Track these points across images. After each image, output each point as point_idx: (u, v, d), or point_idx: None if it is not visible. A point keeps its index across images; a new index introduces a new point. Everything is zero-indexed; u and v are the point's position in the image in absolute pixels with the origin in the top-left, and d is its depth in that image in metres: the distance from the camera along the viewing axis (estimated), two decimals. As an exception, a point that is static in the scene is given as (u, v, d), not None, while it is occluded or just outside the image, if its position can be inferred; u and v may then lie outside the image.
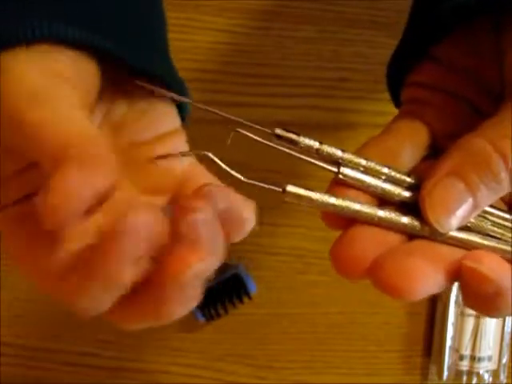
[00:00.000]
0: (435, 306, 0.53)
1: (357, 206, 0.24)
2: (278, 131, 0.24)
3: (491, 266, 0.23)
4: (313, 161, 0.24)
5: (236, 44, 0.49)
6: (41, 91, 0.21)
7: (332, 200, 0.24)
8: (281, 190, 0.24)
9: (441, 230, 0.23)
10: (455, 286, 0.52)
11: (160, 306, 0.22)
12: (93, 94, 0.24)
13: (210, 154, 0.24)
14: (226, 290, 0.51)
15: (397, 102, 0.30)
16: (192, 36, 0.49)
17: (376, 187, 0.25)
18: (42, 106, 0.21)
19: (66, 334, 0.51)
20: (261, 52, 0.50)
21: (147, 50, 0.27)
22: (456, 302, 0.52)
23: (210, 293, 0.50)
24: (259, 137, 0.25)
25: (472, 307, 0.24)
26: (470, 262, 0.23)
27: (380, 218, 0.24)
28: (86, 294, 0.22)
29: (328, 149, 0.25)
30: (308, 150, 0.25)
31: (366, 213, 0.24)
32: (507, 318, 0.53)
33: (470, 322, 0.52)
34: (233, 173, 0.24)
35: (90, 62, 0.23)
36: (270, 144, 0.24)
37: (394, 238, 0.24)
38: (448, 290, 0.52)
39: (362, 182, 0.24)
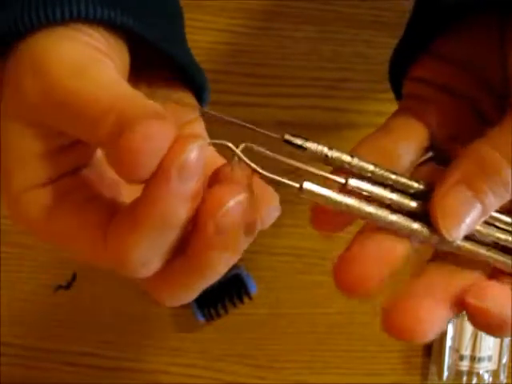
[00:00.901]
0: (435, 306, 0.53)
1: (370, 209, 0.24)
2: (287, 137, 0.25)
3: (494, 300, 0.23)
4: (321, 173, 0.25)
5: (236, 44, 0.49)
6: (84, 63, 0.22)
7: (347, 200, 0.24)
8: (298, 186, 0.24)
9: (450, 239, 0.24)
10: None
11: (201, 258, 0.22)
12: (125, 73, 0.25)
13: (230, 144, 0.23)
14: (226, 290, 0.51)
15: (398, 95, 0.30)
16: (192, 36, 0.49)
17: (384, 198, 0.25)
18: (86, 76, 0.21)
19: (66, 333, 0.51)
20: (261, 52, 0.50)
21: (172, 34, 0.28)
22: (456, 302, 0.52)
23: (210, 293, 0.50)
24: (267, 141, 0.24)
25: (480, 330, 0.25)
26: (473, 299, 0.23)
27: (391, 222, 0.24)
28: (140, 243, 0.22)
29: (337, 154, 0.25)
30: (316, 155, 0.25)
31: (378, 216, 0.24)
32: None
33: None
34: (252, 165, 0.23)
35: (120, 41, 0.24)
36: (281, 158, 0.25)
37: (398, 255, 0.24)
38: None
39: (370, 192, 0.25)
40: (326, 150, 0.25)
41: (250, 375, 0.53)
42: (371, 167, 0.25)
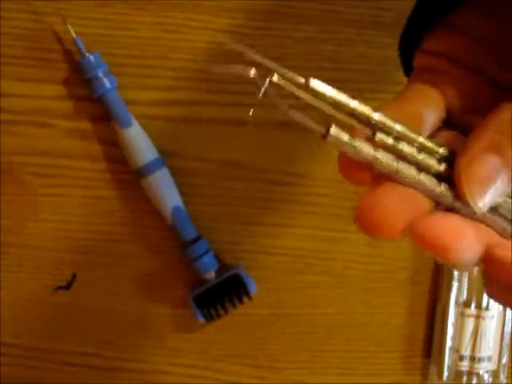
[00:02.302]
0: (435, 306, 0.53)
1: (400, 165, 0.23)
2: (314, 81, 0.23)
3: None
4: (349, 120, 0.23)
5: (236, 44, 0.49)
6: None
7: (374, 153, 0.23)
8: (324, 130, 0.22)
9: (475, 208, 0.23)
10: (455, 287, 0.52)
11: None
12: None
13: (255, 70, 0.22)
14: (226, 290, 0.51)
15: (407, 69, 0.29)
16: (191, 36, 0.49)
17: (412, 156, 0.23)
18: None
19: (66, 334, 0.51)
20: (261, 52, 0.50)
21: None
22: (456, 302, 0.52)
23: (210, 293, 0.50)
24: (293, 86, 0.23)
25: (493, 296, 0.24)
26: (498, 250, 0.23)
27: (418, 181, 0.23)
28: None
29: (363, 107, 0.23)
30: (339, 107, 0.23)
31: (406, 173, 0.23)
32: (507, 318, 0.53)
33: (470, 323, 0.52)
34: (283, 106, 0.22)
35: None
36: (304, 96, 0.23)
37: (424, 202, 0.24)
38: (448, 290, 0.52)
39: (398, 148, 0.23)
40: (351, 101, 0.23)
41: (250, 375, 0.53)
42: (398, 126, 0.24)
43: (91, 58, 0.47)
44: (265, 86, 0.22)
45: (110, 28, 0.49)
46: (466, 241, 0.22)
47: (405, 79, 0.29)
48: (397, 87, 0.49)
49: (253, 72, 0.22)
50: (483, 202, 0.23)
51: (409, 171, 0.23)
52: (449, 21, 0.27)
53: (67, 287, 0.51)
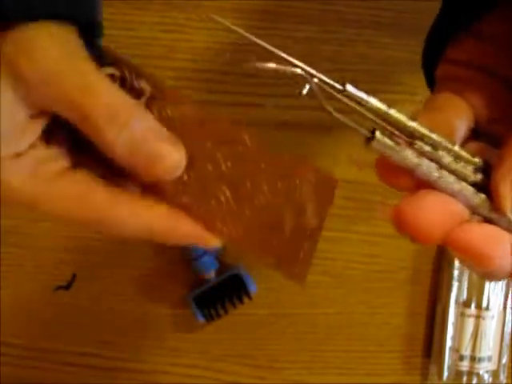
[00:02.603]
0: (435, 306, 0.53)
1: (441, 172, 0.23)
2: (349, 88, 0.23)
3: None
4: (389, 127, 0.23)
5: (235, 44, 0.49)
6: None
7: (418, 160, 0.23)
8: (369, 134, 0.22)
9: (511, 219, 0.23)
10: (455, 287, 0.52)
11: None
12: None
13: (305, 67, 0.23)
14: (226, 290, 0.51)
15: (430, 80, 0.29)
16: (191, 36, 0.49)
17: (450, 166, 0.24)
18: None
19: (66, 334, 0.51)
20: (260, 52, 0.50)
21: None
22: (456, 302, 0.52)
23: (210, 293, 0.50)
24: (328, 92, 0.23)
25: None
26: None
27: (457, 190, 0.23)
28: None
29: (397, 115, 0.23)
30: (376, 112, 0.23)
31: (446, 181, 0.23)
32: (507, 318, 0.53)
33: (470, 323, 0.52)
34: (328, 109, 0.22)
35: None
36: (346, 101, 0.23)
37: (463, 211, 0.24)
38: (448, 290, 0.52)
39: (437, 157, 0.23)
40: (386, 108, 0.23)
41: (250, 375, 0.53)
42: (434, 136, 0.23)
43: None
44: (308, 87, 0.22)
45: (111, 28, 0.48)
46: (504, 247, 0.23)
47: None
48: (397, 87, 0.49)
49: (298, 71, 0.23)
50: None
51: (449, 180, 0.23)
52: (473, 29, 0.26)
53: (67, 287, 0.51)
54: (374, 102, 0.23)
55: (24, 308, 0.51)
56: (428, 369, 0.54)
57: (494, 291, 0.52)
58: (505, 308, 0.53)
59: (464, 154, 0.24)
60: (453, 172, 0.24)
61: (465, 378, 0.53)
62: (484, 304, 0.52)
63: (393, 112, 0.23)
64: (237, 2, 0.49)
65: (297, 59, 0.22)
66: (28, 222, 0.50)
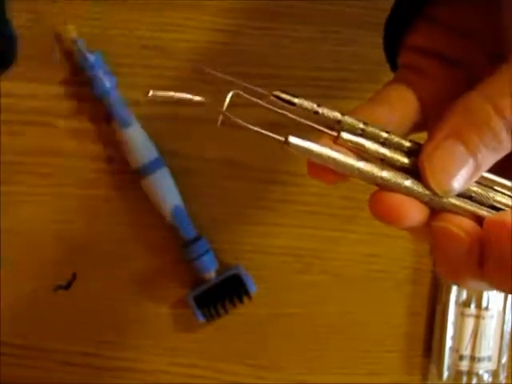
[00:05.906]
0: (435, 306, 0.53)
1: (360, 164, 0.23)
2: (277, 93, 0.24)
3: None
4: (312, 124, 0.24)
5: (235, 44, 0.49)
6: None
7: (335, 155, 0.23)
8: (283, 139, 0.23)
9: (442, 195, 0.23)
10: (455, 286, 0.52)
11: None
12: None
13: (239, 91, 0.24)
14: (226, 290, 0.51)
15: (393, 65, 0.29)
16: (190, 36, 0.49)
17: (376, 152, 0.24)
18: None
19: (66, 333, 0.51)
20: (260, 52, 0.50)
21: None
22: (456, 302, 0.52)
23: (210, 292, 0.50)
24: (259, 100, 0.25)
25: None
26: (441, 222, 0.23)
27: (383, 179, 0.23)
28: None
29: (327, 111, 0.24)
30: (306, 113, 0.24)
31: (368, 172, 0.23)
32: (507, 318, 0.53)
33: (469, 322, 0.52)
34: (239, 122, 0.24)
35: None
36: (270, 107, 0.24)
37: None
38: (448, 290, 0.52)
39: (362, 146, 0.24)
40: (315, 106, 0.24)
41: (250, 375, 0.53)
42: (361, 125, 0.24)
43: (91, 57, 0.47)
44: (225, 106, 0.25)
45: (110, 28, 0.49)
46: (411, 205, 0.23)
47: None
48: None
49: (198, 98, 0.24)
50: (450, 189, 0.23)
51: (370, 169, 0.23)
52: (428, 14, 0.26)
53: (67, 287, 0.51)
54: (302, 102, 0.24)
55: (24, 308, 0.51)
56: (428, 369, 0.54)
57: (493, 291, 0.52)
58: (504, 308, 0.53)
59: (395, 138, 0.24)
60: (380, 159, 0.24)
61: (465, 378, 0.53)
62: (484, 304, 0.52)
63: (321, 109, 0.24)
64: (237, 1, 0.49)
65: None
66: (28, 222, 0.50)
